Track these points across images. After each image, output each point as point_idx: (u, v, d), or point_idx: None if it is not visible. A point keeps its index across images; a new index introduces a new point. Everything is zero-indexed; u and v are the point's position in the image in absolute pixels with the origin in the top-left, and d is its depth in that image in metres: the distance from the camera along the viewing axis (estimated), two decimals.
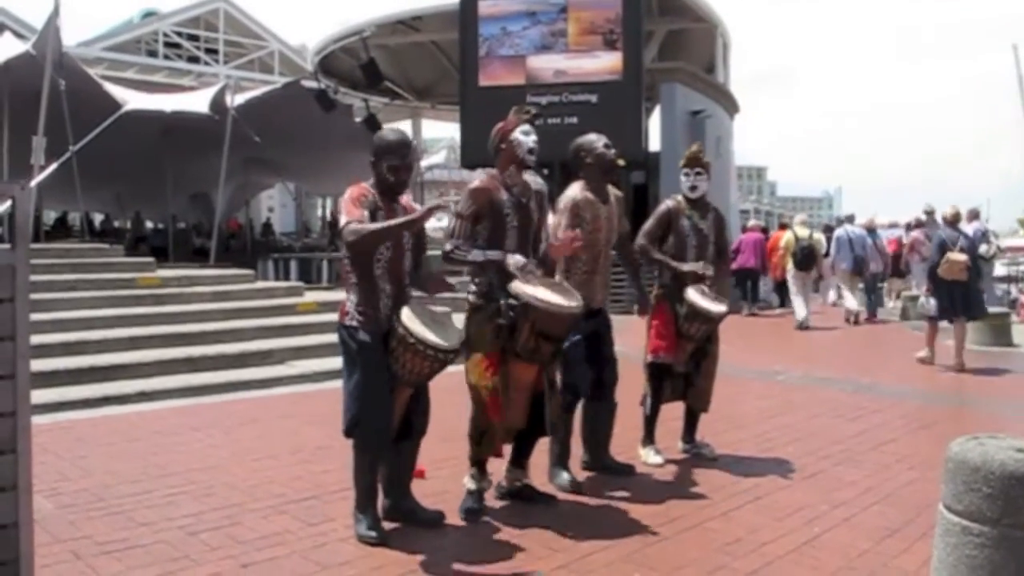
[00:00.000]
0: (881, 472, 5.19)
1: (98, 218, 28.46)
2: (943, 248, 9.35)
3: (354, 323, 3.87)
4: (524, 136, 4.25)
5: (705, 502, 4.59)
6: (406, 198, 4.08)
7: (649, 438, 5.38)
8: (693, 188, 5.37)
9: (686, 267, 5.18)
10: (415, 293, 4.06)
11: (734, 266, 13.85)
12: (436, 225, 44.18)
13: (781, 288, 15.96)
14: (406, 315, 3.78)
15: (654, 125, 19.23)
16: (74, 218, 24.55)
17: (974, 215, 13.29)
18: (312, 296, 10.75)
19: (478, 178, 4.28)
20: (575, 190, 4.90)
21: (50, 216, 26.77)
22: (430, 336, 3.73)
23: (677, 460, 5.41)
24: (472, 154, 17.96)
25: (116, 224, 27.74)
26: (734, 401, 7.36)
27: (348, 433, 3.91)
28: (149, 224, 27.12)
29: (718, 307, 5.18)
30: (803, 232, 14.19)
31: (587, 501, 4.58)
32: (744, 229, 18.81)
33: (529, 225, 4.30)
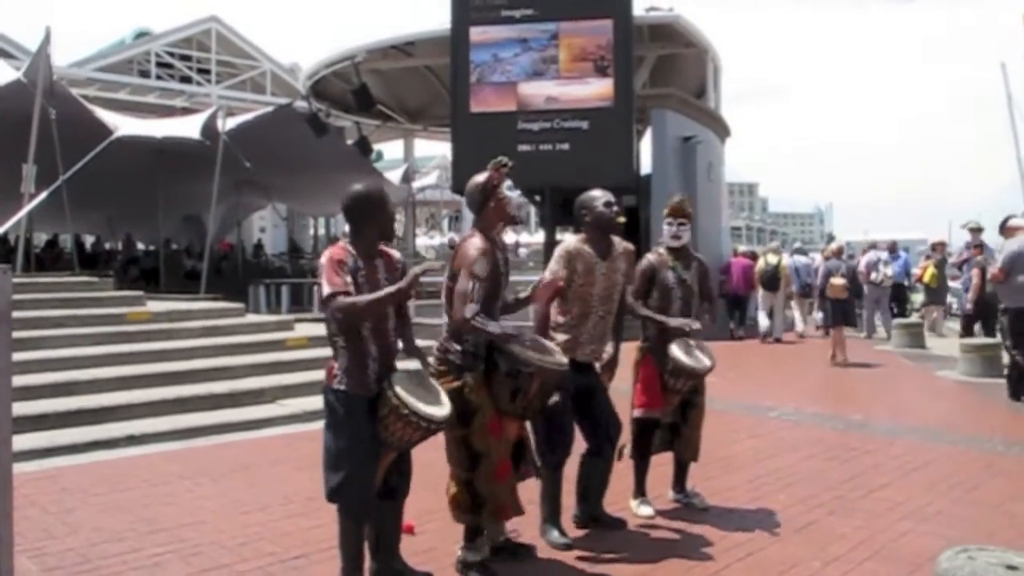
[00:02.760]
0: (873, 522, 5.17)
1: (89, 240, 28.33)
2: (828, 275, 12.82)
3: (342, 387, 3.83)
4: (511, 192, 4.21)
5: (696, 562, 4.55)
6: (384, 248, 4.04)
7: (640, 490, 5.36)
8: (676, 237, 5.36)
9: (674, 323, 5.17)
10: (400, 364, 3.99)
11: (723, 292, 16.24)
12: (428, 243, 43.85)
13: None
14: (399, 383, 3.75)
15: (645, 147, 19.31)
16: (65, 240, 24.42)
17: (892, 247, 16.97)
18: (302, 329, 10.71)
19: (478, 238, 4.13)
20: (571, 241, 4.89)
21: (41, 239, 26.70)
22: (424, 408, 3.70)
23: (668, 511, 5.38)
24: (463, 180, 17.71)
25: (107, 246, 27.61)
26: (725, 441, 7.35)
27: (332, 497, 3.87)
28: (140, 246, 27.04)
29: (703, 363, 5.19)
30: (772, 259, 16.34)
31: (576, 560, 4.54)
32: (735, 253, 19.01)
33: (506, 284, 4.32)
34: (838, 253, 13.79)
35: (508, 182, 4.20)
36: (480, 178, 4.21)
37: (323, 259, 3.82)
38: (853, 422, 8.35)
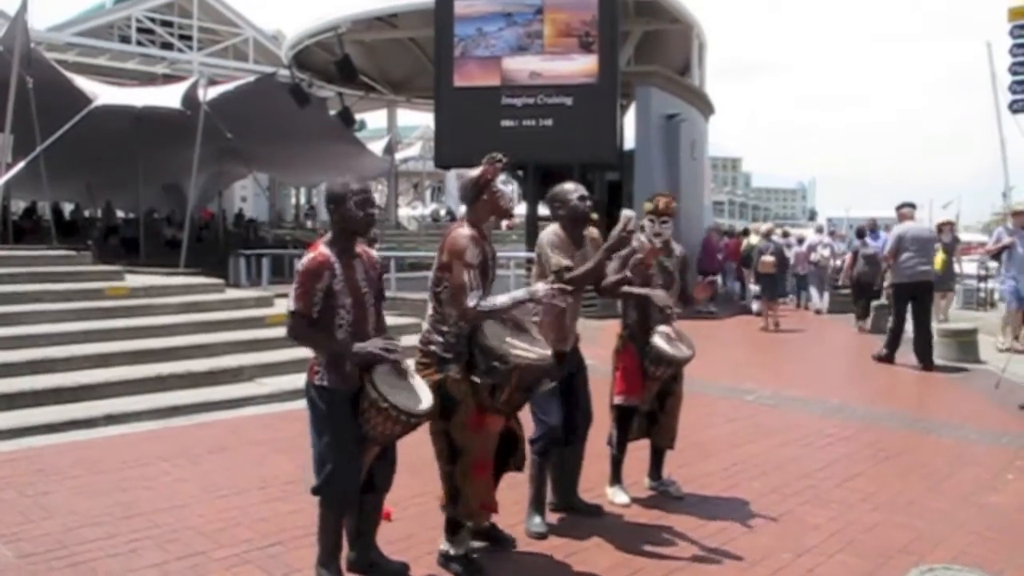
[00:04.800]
0: (846, 513, 5.23)
1: (68, 208, 28.09)
2: (760, 253, 15.03)
3: (323, 383, 3.84)
4: (505, 186, 4.22)
5: (670, 549, 4.61)
6: (362, 247, 4.03)
7: (616, 477, 5.40)
8: (658, 235, 5.36)
9: (658, 295, 5.15)
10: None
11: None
12: (411, 214, 43.76)
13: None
14: (378, 378, 3.75)
15: (629, 122, 19.28)
16: (44, 207, 24.20)
17: (872, 226, 16.24)
18: (282, 305, 10.65)
19: (467, 228, 4.14)
20: (554, 229, 4.89)
21: (19, 206, 26.44)
22: (403, 402, 3.71)
23: (644, 499, 5.43)
24: (446, 153, 17.89)
25: (87, 214, 27.40)
26: (703, 425, 7.40)
27: (317, 491, 3.88)
28: (120, 214, 26.84)
29: (684, 352, 5.23)
30: (753, 240, 17.55)
31: (553, 548, 4.58)
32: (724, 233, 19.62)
33: (493, 277, 4.32)
34: (767, 235, 16.11)
35: (502, 177, 4.23)
36: (474, 172, 4.23)
37: (300, 264, 3.80)
38: (831, 407, 8.43)
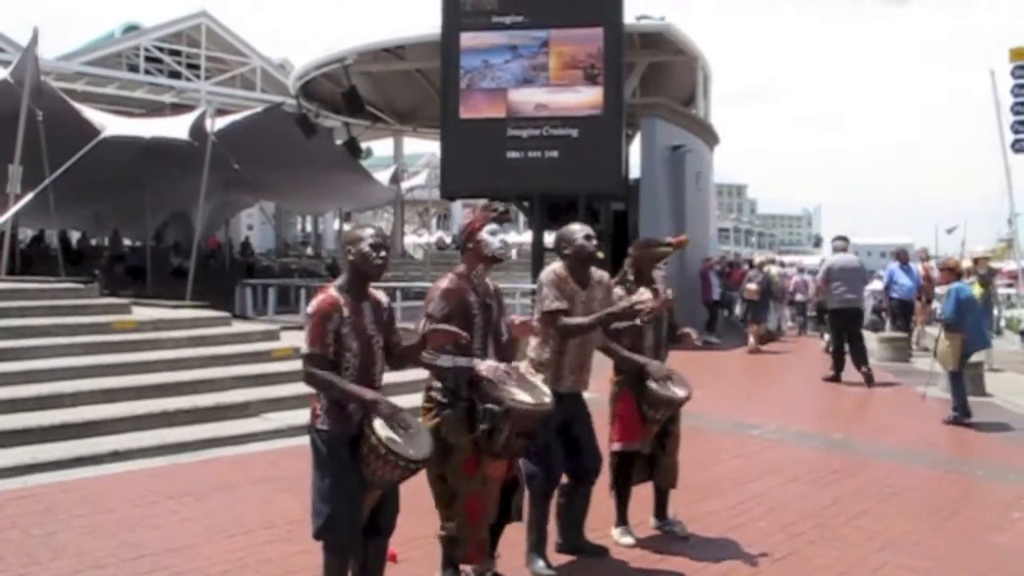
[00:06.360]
0: (852, 553, 5.22)
1: (75, 236, 28.22)
2: (748, 281, 16.36)
3: (325, 427, 3.85)
4: (491, 236, 4.26)
5: None
6: (372, 289, 4.06)
7: (622, 519, 5.40)
8: (665, 278, 5.41)
9: (655, 366, 5.20)
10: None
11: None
12: (417, 242, 43.72)
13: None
14: (378, 423, 3.77)
15: (634, 151, 19.38)
16: (51, 235, 24.31)
17: (903, 257, 15.91)
18: (288, 338, 10.70)
19: (447, 279, 4.26)
20: (556, 266, 4.92)
21: (27, 234, 26.58)
22: (403, 448, 3.73)
23: (649, 539, 5.42)
24: (452, 185, 18.02)
25: (93, 243, 27.52)
26: (708, 462, 7.40)
27: (319, 536, 3.90)
28: (127, 242, 26.96)
29: (681, 393, 5.26)
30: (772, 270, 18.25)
31: None
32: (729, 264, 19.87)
33: (491, 324, 4.33)
34: (759, 266, 17.26)
35: (492, 226, 4.26)
36: (466, 220, 4.30)
37: (311, 307, 3.84)
38: (835, 441, 8.41)
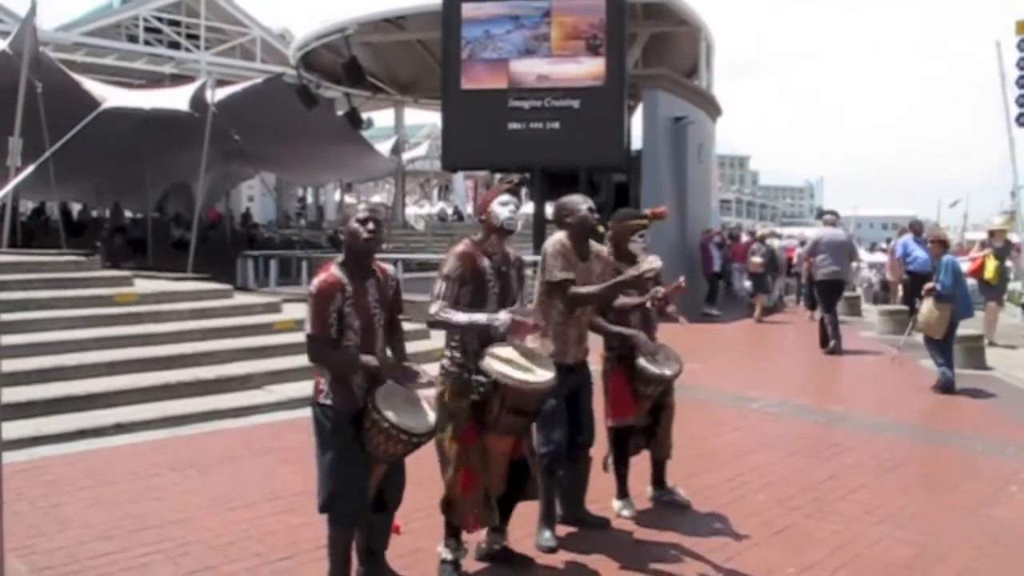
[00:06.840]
0: (850, 526, 5.26)
1: (76, 207, 28.18)
2: (752, 254, 17.21)
3: (328, 402, 3.88)
4: (501, 207, 4.31)
5: (675, 565, 4.65)
6: (377, 263, 4.08)
7: (622, 491, 5.45)
8: (644, 250, 5.41)
9: (641, 337, 5.23)
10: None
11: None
12: (418, 213, 43.66)
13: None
14: (380, 397, 3.80)
15: (636, 122, 19.27)
16: (52, 207, 24.28)
17: (917, 229, 15.51)
18: (290, 310, 10.73)
19: (463, 243, 4.35)
20: (560, 237, 4.93)
21: (27, 206, 26.55)
22: (403, 421, 3.77)
23: (649, 510, 5.48)
24: (453, 156, 17.96)
25: (94, 214, 27.50)
26: (708, 435, 7.44)
27: (323, 509, 3.93)
28: (128, 214, 26.92)
29: (671, 369, 5.30)
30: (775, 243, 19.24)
31: (563, 564, 4.63)
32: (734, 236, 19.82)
33: (508, 292, 4.37)
34: (762, 239, 17.99)
35: (503, 197, 4.33)
36: (486, 193, 4.44)
37: (312, 287, 3.86)
38: (835, 415, 8.45)
